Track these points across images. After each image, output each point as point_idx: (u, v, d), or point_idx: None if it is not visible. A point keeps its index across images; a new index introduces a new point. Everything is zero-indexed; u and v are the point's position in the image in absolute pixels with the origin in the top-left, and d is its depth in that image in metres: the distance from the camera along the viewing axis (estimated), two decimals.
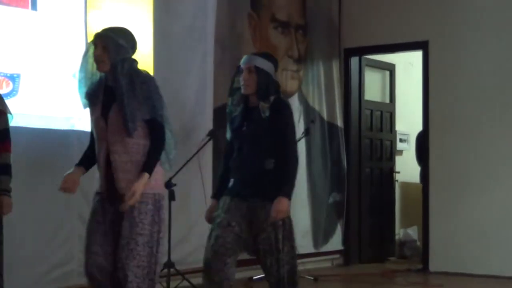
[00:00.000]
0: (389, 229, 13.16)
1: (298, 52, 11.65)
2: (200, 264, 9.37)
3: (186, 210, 8.73)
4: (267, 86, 6.19)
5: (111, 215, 5.68)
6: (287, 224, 6.15)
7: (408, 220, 13.35)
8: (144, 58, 7.95)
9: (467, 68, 11.21)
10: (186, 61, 8.69)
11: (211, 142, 9.50)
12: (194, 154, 8.48)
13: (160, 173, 5.83)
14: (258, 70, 6.17)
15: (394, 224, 13.31)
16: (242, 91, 6.27)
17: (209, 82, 9.96)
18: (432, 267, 11.35)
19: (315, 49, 11.94)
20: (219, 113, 10.03)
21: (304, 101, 11.69)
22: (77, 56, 6.60)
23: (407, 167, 13.12)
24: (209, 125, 9.65)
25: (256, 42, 10.98)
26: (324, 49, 12.11)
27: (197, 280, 9.12)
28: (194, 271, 8.85)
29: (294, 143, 6.31)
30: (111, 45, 5.63)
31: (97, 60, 5.64)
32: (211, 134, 9.40)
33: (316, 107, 11.87)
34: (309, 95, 11.80)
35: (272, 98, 6.20)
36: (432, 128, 11.57)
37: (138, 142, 5.66)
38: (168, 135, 5.79)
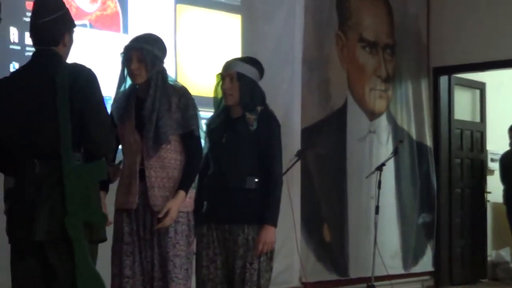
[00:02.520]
0: (481, 250, 13.01)
1: (386, 71, 11.64)
2: (286, 285, 9.63)
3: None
4: (252, 95, 5.77)
5: (142, 234, 5.50)
6: (268, 253, 5.71)
7: (501, 241, 13.26)
8: None
9: None
10: (273, 82, 8.74)
11: (299, 163, 9.64)
12: (283, 174, 8.62)
13: (192, 191, 5.64)
14: (241, 77, 5.74)
15: (486, 245, 13.16)
16: (224, 101, 5.84)
17: (296, 102, 10.06)
18: None
19: (403, 68, 11.92)
20: (307, 133, 10.18)
21: (392, 121, 11.67)
22: None
23: (499, 187, 13.05)
24: (297, 145, 9.68)
25: (344, 62, 10.97)
26: (412, 68, 12.09)
27: None
28: None
29: (281, 162, 5.85)
30: (148, 58, 5.48)
31: (134, 74, 5.50)
32: (299, 154, 9.44)
33: (405, 126, 11.86)
34: (398, 114, 11.78)
35: (259, 109, 5.78)
36: None
37: (175, 158, 5.53)
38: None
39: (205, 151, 5.89)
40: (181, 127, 5.54)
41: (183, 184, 5.51)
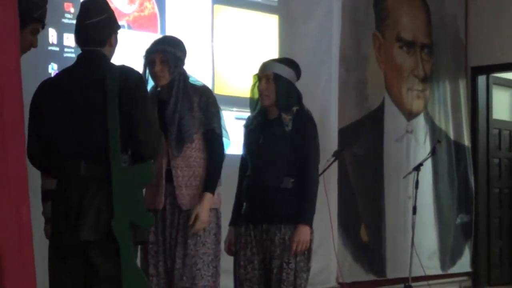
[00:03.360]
0: None
1: (423, 71, 11.62)
2: (323, 286, 9.64)
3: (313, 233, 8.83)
4: (288, 95, 5.76)
5: (169, 234, 5.58)
6: (305, 253, 5.70)
7: None
8: None
9: None
10: (311, 82, 8.74)
11: (336, 163, 9.65)
12: (320, 174, 8.63)
13: (219, 187, 5.70)
14: (278, 78, 5.73)
15: None
16: (260, 102, 5.85)
17: (334, 102, 10.07)
18: None
19: (441, 68, 11.90)
20: (344, 134, 10.19)
21: (430, 121, 11.65)
22: (203, 79, 6.68)
23: None
24: (334, 145, 9.67)
25: (381, 62, 10.97)
26: (450, 68, 12.06)
27: None
28: None
29: (316, 162, 5.87)
30: (171, 60, 5.58)
31: (157, 76, 5.59)
32: (336, 155, 9.44)
33: (443, 126, 11.84)
34: (435, 114, 11.76)
35: (295, 109, 5.77)
36: None
37: (200, 156, 5.61)
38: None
39: (242, 152, 5.96)
40: (203, 126, 5.62)
41: (208, 185, 5.59)
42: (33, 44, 4.78)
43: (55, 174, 4.91)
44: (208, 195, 5.54)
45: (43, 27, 4.87)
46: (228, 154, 5.90)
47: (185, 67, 5.75)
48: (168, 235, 5.57)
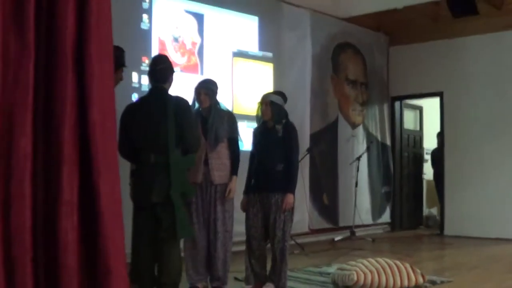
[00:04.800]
0: (420, 208, 12.87)
1: (362, 99, 11.50)
2: (300, 230, 9.53)
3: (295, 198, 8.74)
4: (279, 113, 5.70)
5: (205, 197, 5.62)
6: (290, 211, 5.66)
7: (431, 203, 13.12)
8: None
9: (466, 108, 11.06)
10: (293, 103, 8.70)
11: (308, 155, 9.58)
12: (298, 162, 8.54)
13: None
14: (272, 103, 5.69)
15: (422, 205, 13.02)
16: (262, 118, 5.77)
17: (307, 117, 10.00)
18: (446, 232, 11.17)
19: (373, 97, 11.79)
20: (314, 137, 10.11)
21: (366, 129, 11.54)
22: (227, 103, 6.59)
23: (430, 170, 12.84)
24: (307, 144, 9.59)
25: (336, 93, 10.87)
26: (378, 97, 11.95)
27: (300, 240, 9.22)
28: (296, 234, 8.96)
29: (297, 154, 5.79)
30: (210, 92, 5.67)
31: (202, 102, 5.65)
32: (308, 150, 9.45)
33: (374, 132, 11.71)
34: (369, 125, 11.64)
35: (283, 121, 5.75)
36: (446, 145, 11.42)
37: (226, 152, 5.67)
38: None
39: (251, 148, 5.93)
40: (229, 134, 5.70)
41: (233, 170, 5.71)
42: (121, 79, 4.88)
43: (134, 162, 5.00)
44: (234, 177, 5.71)
45: (125, 66, 4.89)
46: (242, 150, 5.92)
47: (217, 97, 5.83)
48: (205, 198, 5.64)
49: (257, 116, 5.90)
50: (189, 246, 5.64)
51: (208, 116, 5.64)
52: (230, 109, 8.21)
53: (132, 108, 5.02)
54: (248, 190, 5.84)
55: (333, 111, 10.81)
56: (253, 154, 5.89)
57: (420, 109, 13.23)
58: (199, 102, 5.69)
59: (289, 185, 5.63)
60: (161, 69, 4.99)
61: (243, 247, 5.88)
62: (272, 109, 5.70)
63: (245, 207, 5.82)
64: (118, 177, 3.15)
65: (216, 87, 5.77)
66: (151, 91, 5.06)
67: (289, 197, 5.58)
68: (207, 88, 5.69)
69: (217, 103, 5.73)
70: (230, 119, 5.76)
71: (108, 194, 3.00)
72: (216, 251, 5.58)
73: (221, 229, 5.60)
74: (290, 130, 5.76)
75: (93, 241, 2.97)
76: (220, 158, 5.64)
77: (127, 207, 4.62)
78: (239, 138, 5.79)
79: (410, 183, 12.62)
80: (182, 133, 4.83)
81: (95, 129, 2.97)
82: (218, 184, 5.62)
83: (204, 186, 5.62)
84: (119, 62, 5.01)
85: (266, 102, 5.73)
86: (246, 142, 6.18)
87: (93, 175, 2.96)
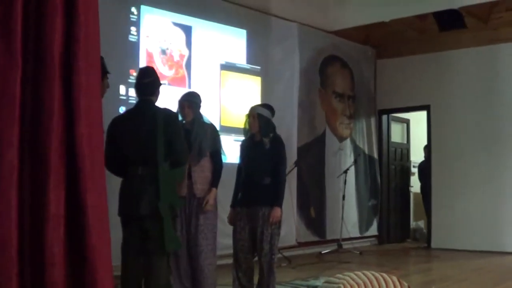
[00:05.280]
0: (407, 221, 12.92)
1: (349, 112, 11.56)
2: (288, 243, 9.52)
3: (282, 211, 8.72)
4: (267, 126, 5.68)
5: (188, 210, 5.53)
6: (277, 224, 5.61)
7: (419, 216, 13.19)
8: None
9: (453, 122, 11.14)
10: (281, 117, 8.70)
11: (296, 168, 9.59)
12: (286, 175, 8.52)
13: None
14: (260, 116, 5.67)
15: (410, 218, 13.08)
16: (250, 130, 5.77)
17: (294, 130, 10.01)
18: (434, 245, 11.21)
19: (360, 110, 11.85)
20: (301, 150, 10.15)
21: (353, 142, 11.59)
22: (214, 116, 6.49)
23: (418, 183, 12.90)
24: (294, 157, 9.62)
25: (323, 106, 10.92)
26: (365, 110, 12.00)
27: (287, 253, 9.21)
28: (283, 248, 8.94)
29: (284, 167, 5.76)
30: (194, 105, 5.64)
31: (185, 115, 5.60)
32: (296, 163, 9.47)
33: (361, 146, 11.76)
34: (357, 138, 11.69)
35: (271, 135, 5.71)
36: (433, 158, 11.47)
37: (209, 165, 5.59)
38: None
39: (239, 161, 5.91)
40: (211, 147, 5.64)
41: (214, 183, 5.61)
42: (108, 86, 4.83)
43: (121, 175, 4.94)
44: (213, 189, 5.61)
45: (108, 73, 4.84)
46: (228, 163, 5.92)
47: (201, 110, 5.78)
48: (188, 211, 5.58)
49: (244, 129, 5.88)
50: (173, 259, 5.58)
51: (191, 129, 5.60)
52: (217, 122, 8.26)
53: (119, 121, 4.99)
54: (235, 204, 5.81)
55: (321, 124, 10.84)
56: (241, 167, 5.86)
57: (407, 122, 13.31)
58: (183, 115, 5.65)
59: (277, 199, 5.60)
60: (148, 83, 4.97)
61: (230, 260, 5.87)
62: (260, 122, 5.68)
63: (232, 221, 5.80)
64: (105, 189, 3.14)
65: (200, 100, 5.74)
66: (138, 103, 5.04)
67: (276, 210, 5.55)
68: (190, 101, 5.66)
69: (200, 116, 5.70)
70: (213, 132, 5.72)
71: (95, 207, 2.99)
72: (199, 264, 5.53)
73: (203, 242, 5.53)
74: (278, 143, 5.74)
75: (80, 254, 2.95)
76: (203, 172, 5.58)
77: (115, 219, 4.61)
78: (222, 151, 5.74)
79: (397, 196, 12.66)
80: (171, 145, 4.80)
81: (82, 142, 2.96)
82: (200, 197, 5.57)
83: (187, 199, 5.58)
84: (103, 71, 4.98)
85: (254, 114, 5.71)
86: (232, 155, 6.18)
87: (80, 188, 2.95)
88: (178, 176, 5.10)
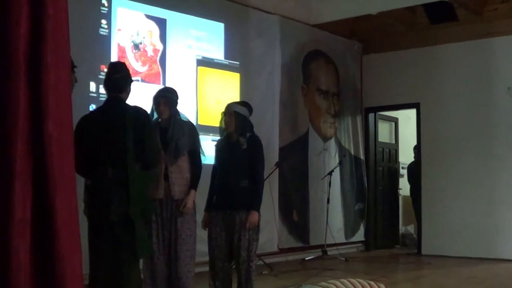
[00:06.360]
0: (395, 226, 12.99)
1: (334, 110, 11.61)
2: (269, 250, 9.55)
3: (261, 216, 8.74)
4: (243, 125, 5.71)
5: (165, 214, 5.52)
6: (255, 228, 5.66)
7: (408, 220, 13.25)
8: None
9: (444, 121, 11.20)
10: (261, 117, 8.74)
11: (277, 170, 9.62)
12: (266, 178, 8.45)
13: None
14: (236, 114, 5.69)
15: (398, 223, 13.15)
16: (226, 130, 5.80)
17: (276, 129, 10.05)
18: (424, 251, 11.27)
19: (345, 108, 11.90)
20: (283, 151, 10.18)
21: (338, 142, 11.64)
22: (191, 114, 6.47)
23: (407, 186, 12.97)
24: (276, 158, 9.66)
25: (307, 104, 10.97)
26: (351, 108, 12.06)
27: (268, 260, 9.22)
28: (265, 254, 8.95)
29: (262, 169, 5.80)
30: (170, 101, 5.61)
31: (161, 112, 5.58)
32: (278, 165, 9.50)
33: (346, 146, 11.81)
34: (342, 138, 11.74)
35: (248, 134, 5.73)
36: (423, 159, 11.52)
37: (187, 166, 5.57)
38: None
39: (214, 163, 5.93)
40: (189, 146, 5.62)
41: (193, 184, 5.61)
42: (76, 80, 4.83)
43: (89, 177, 4.91)
44: (193, 191, 5.60)
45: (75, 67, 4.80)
46: (206, 164, 5.89)
47: (178, 107, 5.75)
48: (165, 215, 5.56)
49: (220, 127, 5.92)
50: (148, 266, 5.58)
51: (167, 127, 5.58)
52: (194, 121, 8.26)
53: (87, 120, 4.96)
54: (209, 207, 5.84)
55: (304, 123, 10.88)
56: (216, 168, 5.89)
57: (395, 121, 13.38)
58: (158, 113, 5.64)
59: (254, 202, 5.64)
60: (118, 78, 4.95)
61: (206, 268, 5.87)
62: (236, 120, 5.72)
63: (206, 225, 5.84)
64: (75, 193, 3.13)
65: (177, 96, 5.73)
66: (107, 101, 5.02)
67: (253, 214, 5.59)
68: (166, 97, 5.64)
69: (177, 113, 5.68)
70: (191, 131, 5.71)
71: (64, 211, 2.97)
72: (177, 271, 5.51)
73: (182, 248, 5.52)
74: (255, 143, 5.77)
75: (48, 263, 2.94)
76: (181, 172, 5.57)
77: (82, 225, 4.60)
78: (201, 151, 5.74)
79: (385, 199, 12.74)
80: (142, 146, 4.79)
81: (51, 142, 2.95)
82: (178, 199, 5.55)
83: (164, 202, 5.56)
84: (72, 65, 4.96)
85: (230, 112, 5.74)
86: (211, 156, 6.19)
87: (49, 191, 2.94)
88: (151, 178, 5.09)
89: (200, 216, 5.89)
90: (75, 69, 4.75)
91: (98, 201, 4.78)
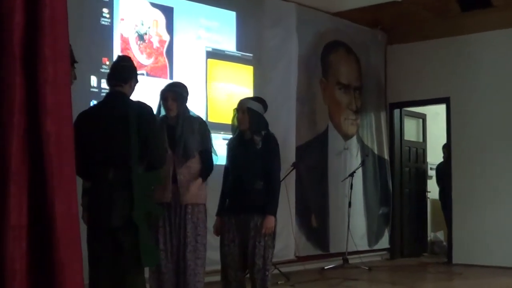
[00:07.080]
0: (423, 233, 12.95)
1: (356, 106, 11.59)
2: (285, 258, 9.56)
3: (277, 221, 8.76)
4: (258, 123, 5.70)
5: (173, 219, 5.54)
6: (271, 234, 5.64)
7: (437, 226, 13.19)
8: None
9: (477, 116, 11.14)
10: (277, 113, 8.74)
11: (294, 171, 9.59)
12: (282, 180, 8.45)
13: (206, 187, 5.73)
14: (250, 111, 5.69)
15: (427, 229, 13.10)
16: (239, 128, 5.80)
17: (292, 127, 10.03)
18: (455, 260, 11.19)
19: (368, 103, 11.88)
20: (300, 150, 10.16)
21: (360, 141, 11.63)
22: (200, 111, 6.51)
23: (435, 188, 12.94)
24: (292, 158, 9.66)
25: (326, 99, 10.95)
26: (374, 104, 12.04)
27: (284, 269, 9.23)
28: (280, 263, 8.97)
29: (278, 170, 5.82)
30: (179, 97, 5.60)
31: (169, 109, 5.59)
32: (294, 165, 9.49)
33: (369, 145, 11.80)
34: (364, 136, 11.73)
35: (263, 132, 5.73)
36: (454, 159, 11.46)
37: (197, 167, 5.58)
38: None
39: (226, 163, 5.94)
40: (200, 146, 5.61)
41: (202, 176, 5.63)
42: (75, 77, 4.80)
43: (89, 179, 4.90)
44: (200, 179, 5.61)
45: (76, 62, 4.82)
46: (218, 164, 5.92)
47: (187, 104, 5.74)
48: (174, 220, 5.55)
49: (232, 125, 5.92)
50: (155, 276, 5.58)
51: (176, 125, 5.58)
52: (204, 118, 8.24)
53: (86, 115, 4.93)
54: (222, 212, 5.83)
55: (323, 120, 10.87)
56: (228, 169, 5.89)
57: (423, 117, 13.33)
58: (166, 109, 5.63)
59: (270, 206, 5.63)
60: (124, 66, 4.98)
61: (218, 277, 5.88)
62: (250, 117, 5.71)
63: (218, 231, 5.84)
64: (76, 196, 3.14)
65: (187, 92, 5.72)
66: (108, 96, 5.01)
67: (270, 219, 5.58)
68: (175, 93, 5.63)
69: (187, 110, 5.67)
70: (201, 128, 5.69)
71: (64, 216, 2.98)
72: (186, 281, 5.51)
73: (192, 256, 5.52)
74: (271, 142, 5.76)
75: (47, 271, 2.95)
76: (190, 174, 5.57)
77: (82, 231, 4.61)
78: (213, 150, 5.73)
79: (412, 203, 12.68)
80: (146, 145, 4.78)
81: (50, 141, 2.95)
82: (188, 204, 5.55)
83: (172, 207, 5.55)
84: (72, 60, 4.94)
85: (243, 109, 5.74)
86: (221, 155, 6.19)
87: (48, 194, 2.94)
88: (156, 179, 5.07)
89: (211, 221, 5.89)
90: (75, 64, 4.75)
91: (99, 204, 4.76)
